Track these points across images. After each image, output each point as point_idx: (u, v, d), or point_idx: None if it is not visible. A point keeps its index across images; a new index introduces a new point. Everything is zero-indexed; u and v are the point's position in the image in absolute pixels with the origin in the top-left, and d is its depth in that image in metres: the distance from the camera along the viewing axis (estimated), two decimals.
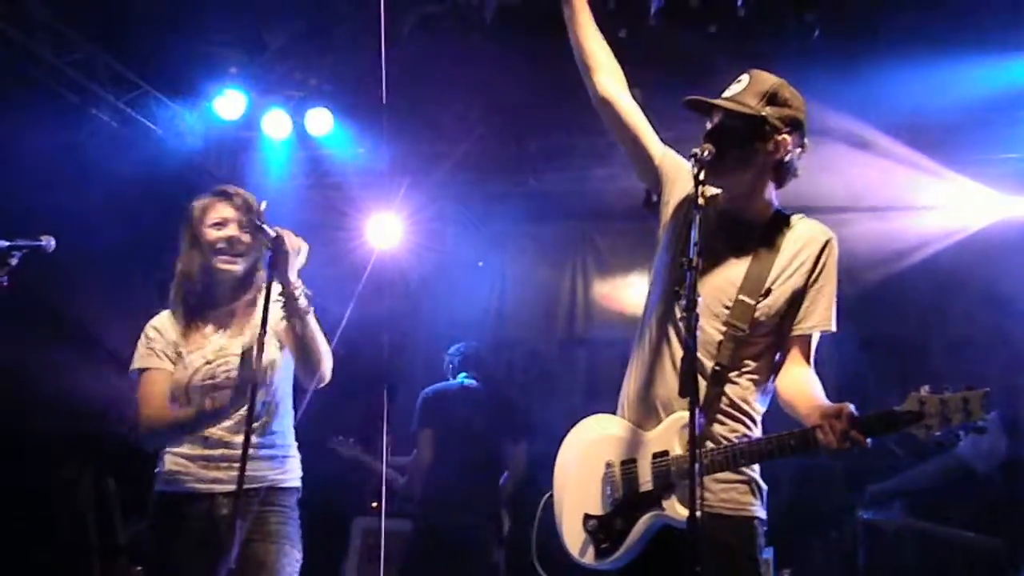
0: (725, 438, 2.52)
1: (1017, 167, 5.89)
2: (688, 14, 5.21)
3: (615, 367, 2.78)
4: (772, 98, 2.53)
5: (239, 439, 2.81)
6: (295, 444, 3.12)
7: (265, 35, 5.77)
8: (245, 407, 2.63)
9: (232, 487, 2.70)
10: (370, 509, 6.32)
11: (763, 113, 2.51)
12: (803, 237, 2.59)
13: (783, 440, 2.39)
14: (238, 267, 3.03)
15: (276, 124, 6.41)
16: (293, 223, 2.85)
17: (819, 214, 2.70)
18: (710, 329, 2.52)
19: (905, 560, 5.38)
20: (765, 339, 2.57)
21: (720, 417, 2.53)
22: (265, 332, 2.62)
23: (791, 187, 2.64)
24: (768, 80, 2.57)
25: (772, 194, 2.64)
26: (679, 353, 2.53)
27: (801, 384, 2.52)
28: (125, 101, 6.05)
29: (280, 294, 2.78)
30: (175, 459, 2.98)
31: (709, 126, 2.56)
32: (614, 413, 2.71)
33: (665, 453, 2.51)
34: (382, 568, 5.23)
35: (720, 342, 2.53)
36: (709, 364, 2.52)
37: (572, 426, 2.78)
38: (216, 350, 3.00)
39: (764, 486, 2.58)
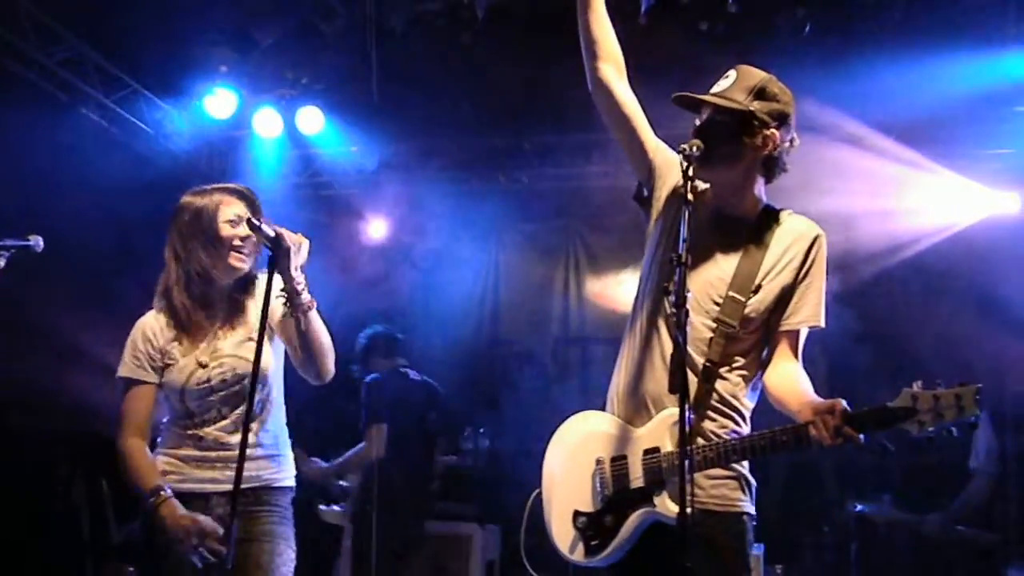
0: (715, 434, 2.52)
1: (1007, 163, 5.90)
2: (679, 11, 5.22)
3: (608, 364, 2.77)
4: (760, 93, 2.53)
5: (235, 439, 2.81)
6: (289, 443, 3.10)
7: (255, 33, 5.74)
8: (243, 406, 2.60)
9: (227, 487, 2.68)
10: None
11: (751, 108, 2.50)
12: (792, 233, 2.59)
13: (776, 436, 2.39)
14: (247, 265, 3.01)
15: (267, 123, 6.40)
16: (284, 222, 2.83)
17: (808, 211, 2.69)
18: (700, 325, 2.52)
19: (897, 553, 5.40)
20: (754, 335, 2.57)
21: (710, 413, 2.53)
22: (265, 331, 2.61)
23: (779, 183, 2.65)
24: (756, 75, 2.56)
25: (761, 189, 2.64)
26: (669, 349, 2.53)
27: (790, 380, 2.52)
28: (115, 100, 6.03)
29: (282, 291, 2.77)
30: (167, 459, 2.95)
31: (698, 122, 2.55)
32: (603, 409, 2.70)
33: (656, 449, 2.51)
34: (374, 569, 5.23)
35: (710, 338, 2.52)
36: (699, 360, 2.52)
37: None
38: (210, 352, 2.97)
39: (754, 482, 2.58)
